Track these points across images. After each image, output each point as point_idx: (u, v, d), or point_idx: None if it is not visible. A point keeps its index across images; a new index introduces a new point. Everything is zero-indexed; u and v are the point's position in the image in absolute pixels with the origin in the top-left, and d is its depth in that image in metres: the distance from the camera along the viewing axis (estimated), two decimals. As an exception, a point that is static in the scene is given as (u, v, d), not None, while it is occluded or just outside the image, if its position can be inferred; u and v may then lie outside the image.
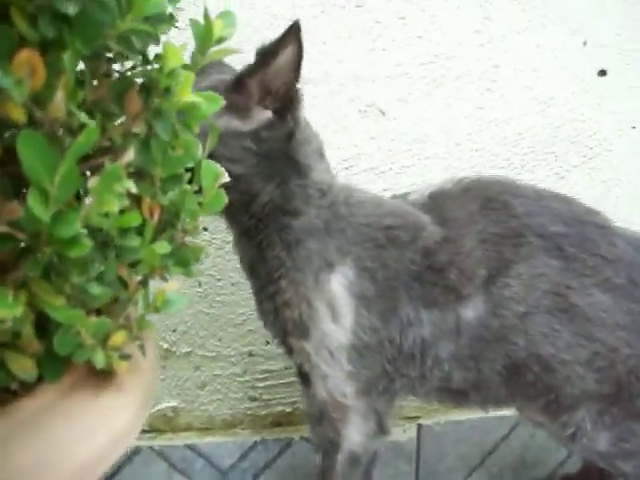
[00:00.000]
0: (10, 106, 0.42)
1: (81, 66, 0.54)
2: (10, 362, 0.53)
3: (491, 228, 1.11)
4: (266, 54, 0.97)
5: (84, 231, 0.50)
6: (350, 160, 1.39)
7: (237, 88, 1.00)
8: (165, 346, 1.41)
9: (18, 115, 0.43)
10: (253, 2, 1.31)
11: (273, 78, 0.99)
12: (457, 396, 1.20)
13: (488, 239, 1.11)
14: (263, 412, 1.49)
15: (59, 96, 0.44)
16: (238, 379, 1.46)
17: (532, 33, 1.47)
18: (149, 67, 0.62)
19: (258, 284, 1.12)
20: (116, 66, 0.63)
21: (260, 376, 1.47)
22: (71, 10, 0.42)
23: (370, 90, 1.38)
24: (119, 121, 0.60)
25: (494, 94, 1.46)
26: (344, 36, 1.36)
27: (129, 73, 0.62)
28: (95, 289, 0.55)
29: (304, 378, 1.12)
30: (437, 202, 1.16)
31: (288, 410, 1.49)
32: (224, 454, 1.45)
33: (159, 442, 1.43)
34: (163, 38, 0.61)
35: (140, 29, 0.50)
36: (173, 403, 1.45)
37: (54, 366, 0.58)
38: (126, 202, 0.53)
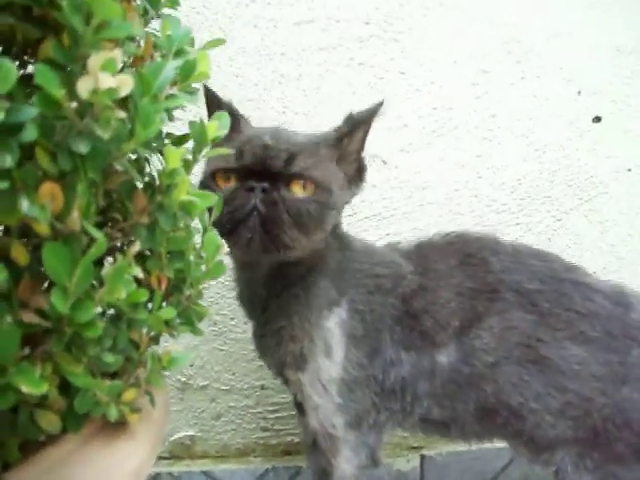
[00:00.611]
0: (37, 225, 0.52)
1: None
2: (39, 418, 0.63)
3: (467, 283, 1.19)
4: (357, 123, 1.11)
5: (98, 315, 0.60)
6: (354, 207, 1.48)
7: (334, 148, 1.11)
8: (183, 379, 1.50)
9: (42, 230, 0.53)
10: (263, 64, 1.42)
11: (353, 145, 1.13)
12: (440, 428, 1.27)
13: (463, 292, 1.18)
14: (274, 441, 1.58)
15: (75, 215, 0.55)
16: (251, 411, 1.55)
17: (528, 83, 1.56)
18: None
19: (263, 319, 1.18)
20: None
21: (271, 408, 1.55)
22: (83, 149, 0.52)
23: (372, 141, 1.46)
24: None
25: (491, 142, 1.55)
26: (348, 92, 1.46)
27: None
28: (109, 358, 0.65)
29: (299, 408, 1.19)
30: (422, 252, 1.24)
31: (297, 440, 1.58)
32: (238, 480, 1.54)
33: (177, 468, 1.51)
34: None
35: (141, 151, 0.61)
36: (191, 432, 1.54)
37: (75, 420, 0.68)
38: (133, 286, 0.64)
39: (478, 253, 1.22)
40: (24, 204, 0.51)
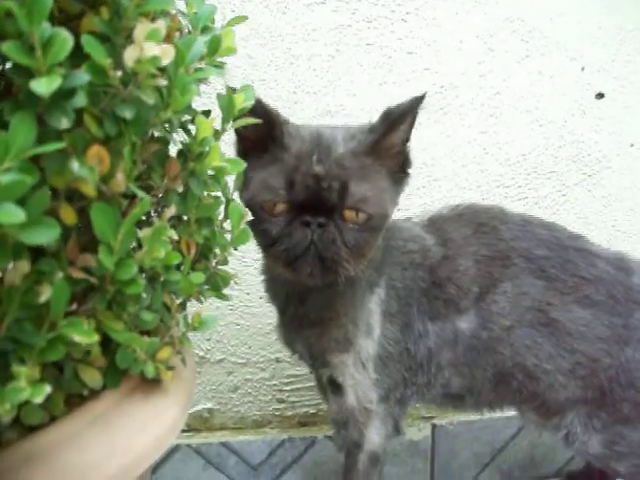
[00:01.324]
0: (85, 186, 0.57)
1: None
2: (82, 374, 0.67)
3: (482, 250, 1.24)
4: (396, 119, 1.07)
5: (139, 273, 0.64)
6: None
7: (374, 149, 1.07)
8: (201, 354, 1.55)
9: (89, 191, 0.57)
10: (275, 45, 1.45)
11: (395, 139, 1.09)
12: (455, 401, 1.33)
13: (480, 260, 1.24)
14: (290, 413, 1.62)
15: (119, 176, 0.59)
16: (267, 383, 1.60)
17: (532, 61, 1.60)
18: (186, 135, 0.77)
19: (301, 310, 1.19)
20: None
21: (286, 380, 1.60)
22: (128, 115, 0.56)
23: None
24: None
25: (497, 119, 1.59)
26: (357, 72, 1.50)
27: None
28: (147, 316, 0.69)
29: (335, 387, 1.21)
30: (437, 224, 1.29)
31: (312, 411, 1.63)
32: (255, 451, 1.58)
33: (196, 440, 1.56)
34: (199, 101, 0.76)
35: (178, 117, 0.65)
36: (208, 405, 1.58)
37: (115, 376, 0.72)
38: (169, 247, 0.68)
39: (489, 222, 1.27)
40: (74, 166, 0.55)
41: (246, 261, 1.51)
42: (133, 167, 0.61)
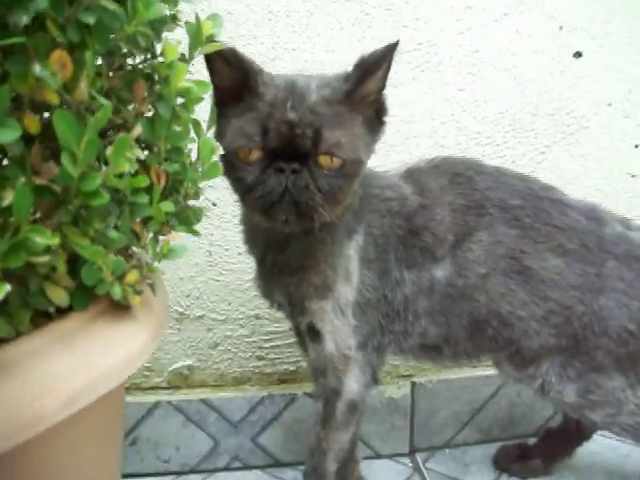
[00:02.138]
0: (47, 92, 0.57)
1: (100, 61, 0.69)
2: (48, 291, 0.68)
3: (458, 200, 1.26)
4: (369, 67, 1.08)
5: (104, 189, 0.65)
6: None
7: (349, 97, 1.08)
8: (180, 310, 1.55)
9: (53, 98, 0.58)
10: (253, 1, 1.45)
11: (370, 87, 1.10)
12: (432, 352, 1.35)
13: (456, 209, 1.25)
14: (269, 370, 1.63)
15: (82, 84, 0.59)
16: (246, 340, 1.61)
17: (510, 20, 1.60)
18: (154, 60, 0.77)
19: (281, 258, 1.20)
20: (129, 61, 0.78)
21: (266, 337, 1.61)
22: (91, 20, 0.57)
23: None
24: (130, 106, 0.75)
25: (475, 77, 1.59)
26: (336, 28, 1.50)
27: (139, 66, 0.77)
28: (113, 234, 0.70)
29: (314, 334, 1.23)
30: (413, 176, 1.30)
31: (292, 369, 1.64)
32: (235, 408, 1.59)
33: (176, 397, 1.57)
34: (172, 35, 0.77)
35: (143, 31, 0.65)
36: (188, 362, 1.59)
37: (82, 298, 0.73)
38: (136, 166, 0.69)
39: (464, 173, 1.29)
40: (37, 68, 0.55)
41: (225, 217, 1.51)
42: (97, 78, 0.61)
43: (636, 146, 1.75)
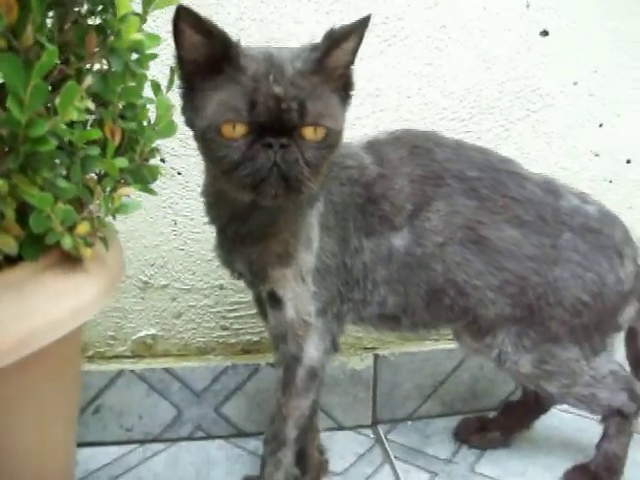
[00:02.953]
0: (-8, 34, 0.58)
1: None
2: (-3, 237, 0.69)
3: (417, 170, 1.28)
4: (338, 38, 1.06)
5: (52, 137, 0.65)
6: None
7: (319, 67, 1.07)
8: (144, 279, 1.56)
9: (0, 42, 0.58)
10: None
11: (338, 59, 1.09)
12: (391, 322, 1.37)
13: (414, 179, 1.27)
14: (233, 340, 1.64)
15: (29, 29, 0.60)
16: (210, 310, 1.61)
17: (478, -4, 1.61)
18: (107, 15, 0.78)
19: (245, 228, 1.20)
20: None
21: (230, 307, 1.62)
22: (35, -38, 0.57)
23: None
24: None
25: (442, 52, 1.60)
26: (303, 0, 1.50)
27: (92, 20, 0.78)
28: (62, 183, 0.71)
29: (275, 301, 1.24)
30: (374, 147, 1.31)
31: (255, 339, 1.65)
32: (198, 378, 1.60)
33: (140, 366, 1.58)
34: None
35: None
36: (152, 331, 1.60)
37: (32, 248, 0.74)
38: (85, 117, 0.69)
39: (424, 144, 1.31)
40: (-20, 9, 0.56)
41: (189, 186, 1.52)
42: (43, 23, 0.62)
43: (600, 125, 1.77)
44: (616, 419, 1.42)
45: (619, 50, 1.74)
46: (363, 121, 1.58)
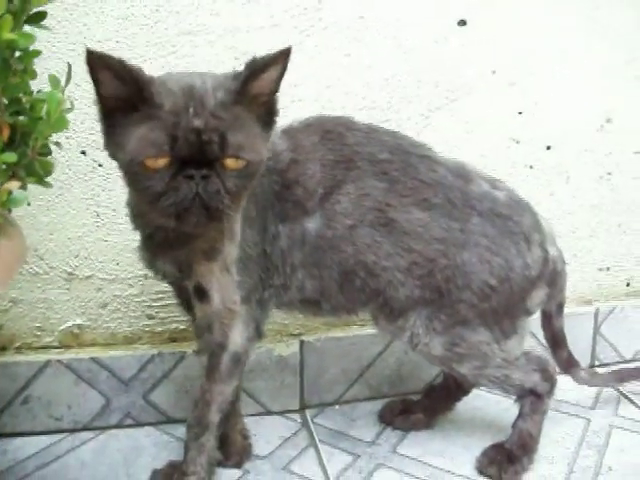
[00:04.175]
0: None
1: None
2: None
3: (328, 155, 1.31)
4: (259, 68, 1.08)
5: None
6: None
7: (240, 96, 1.09)
8: (69, 270, 1.57)
9: None
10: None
11: (260, 88, 1.11)
12: (313, 307, 1.41)
13: (326, 164, 1.31)
14: (159, 329, 1.67)
15: None
16: (136, 299, 1.64)
17: (395, -13, 1.65)
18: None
19: (162, 234, 1.22)
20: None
21: (155, 297, 1.64)
22: None
23: (245, 40, 1.54)
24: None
25: (360, 43, 1.63)
26: (220, -4, 1.53)
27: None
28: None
29: (201, 294, 1.27)
30: (288, 135, 1.34)
31: (182, 327, 1.67)
32: (125, 366, 1.62)
33: (67, 356, 1.59)
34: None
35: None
36: (78, 321, 1.61)
37: None
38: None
39: (335, 129, 1.34)
40: None
41: (111, 178, 1.53)
42: None
43: (520, 113, 1.82)
44: (530, 398, 1.48)
45: (537, 40, 1.79)
46: (284, 111, 1.58)
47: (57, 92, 0.90)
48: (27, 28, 0.86)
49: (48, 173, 0.93)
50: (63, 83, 0.97)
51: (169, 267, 1.28)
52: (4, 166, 0.83)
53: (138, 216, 1.27)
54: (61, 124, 0.90)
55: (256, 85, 1.10)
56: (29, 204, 1.05)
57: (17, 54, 0.81)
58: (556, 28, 1.80)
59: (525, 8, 1.76)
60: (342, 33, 1.62)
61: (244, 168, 1.08)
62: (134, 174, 1.06)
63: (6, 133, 0.83)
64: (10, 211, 0.90)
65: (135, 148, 1.04)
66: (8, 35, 0.75)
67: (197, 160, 1.04)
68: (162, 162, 1.04)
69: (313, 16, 1.59)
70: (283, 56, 1.10)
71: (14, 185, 0.84)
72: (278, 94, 1.15)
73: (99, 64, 0.99)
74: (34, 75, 0.87)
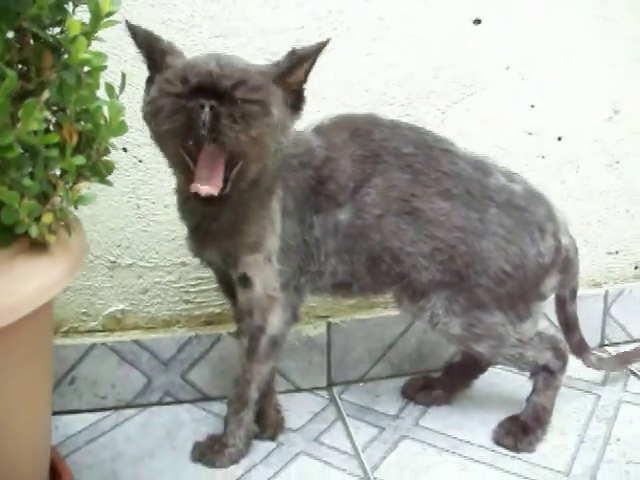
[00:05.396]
0: (-38, 64, 0.71)
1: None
2: (-28, 230, 0.82)
3: (358, 151, 1.42)
4: (300, 59, 1.25)
5: (17, 144, 0.79)
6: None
7: (277, 81, 1.24)
8: (112, 259, 1.69)
9: (-33, 69, 0.72)
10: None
11: (296, 77, 1.27)
12: (344, 289, 1.53)
13: (356, 159, 1.42)
14: (196, 312, 1.78)
15: (-8, 57, 0.73)
16: (174, 285, 1.75)
17: (413, -12, 1.74)
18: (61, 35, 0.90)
19: (208, 226, 1.34)
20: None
21: (192, 282, 1.76)
22: (-4, 5, 0.71)
23: (274, 41, 1.64)
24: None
25: (381, 42, 1.73)
26: (249, -1, 1.63)
27: (47, 39, 0.91)
28: (27, 182, 0.84)
29: (245, 282, 1.38)
30: (320, 132, 1.45)
31: (217, 311, 1.79)
32: (165, 348, 1.74)
33: (111, 339, 1.71)
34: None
35: (46, 13, 0.79)
36: (121, 307, 1.73)
37: (4, 237, 0.87)
38: (44, 125, 0.82)
39: (363, 126, 1.45)
40: (-48, 46, 0.69)
41: (150, 172, 1.64)
42: (5, 52, 0.75)
43: (532, 106, 1.91)
44: (543, 374, 1.58)
45: (548, 36, 1.88)
46: (308, 107, 1.68)
47: (117, 101, 1.00)
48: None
49: (110, 172, 1.04)
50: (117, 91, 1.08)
51: (215, 257, 1.40)
52: (74, 168, 0.94)
53: (184, 201, 1.39)
54: (121, 129, 1.01)
55: (294, 74, 1.25)
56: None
57: (86, 69, 0.92)
58: (565, 25, 1.89)
59: (536, 7, 1.85)
60: (363, 34, 1.72)
61: (257, 104, 1.18)
62: (154, 117, 1.19)
63: (75, 139, 0.94)
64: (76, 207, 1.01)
65: (154, 92, 1.20)
66: (84, 55, 0.86)
67: (210, 91, 1.14)
68: (176, 88, 1.16)
69: (337, 18, 1.69)
70: (320, 50, 1.24)
71: (84, 185, 0.95)
72: (306, 85, 1.29)
73: (133, 33, 1.21)
74: (98, 86, 0.98)
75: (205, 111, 1.12)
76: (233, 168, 1.19)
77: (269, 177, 1.33)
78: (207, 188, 1.15)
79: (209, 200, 1.17)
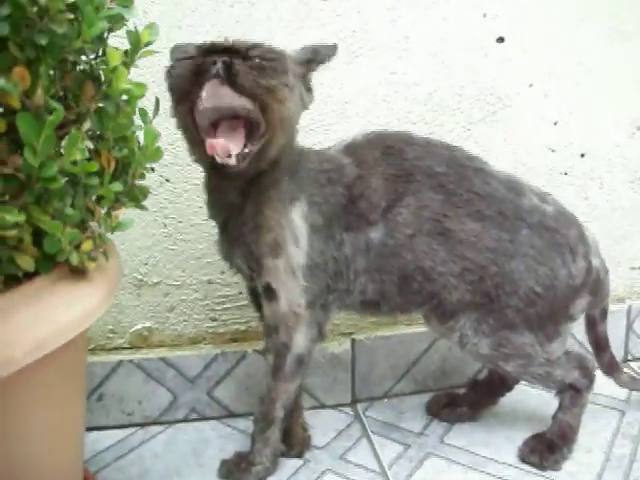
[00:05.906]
0: (11, 99, 0.72)
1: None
2: (17, 258, 0.84)
3: (389, 170, 1.42)
4: (321, 58, 1.34)
5: (60, 175, 0.80)
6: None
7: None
8: (139, 277, 1.70)
9: (15, 103, 0.73)
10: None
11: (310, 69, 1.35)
12: (372, 308, 1.52)
13: (388, 178, 1.41)
14: (222, 330, 1.79)
15: (39, 92, 0.74)
16: (200, 303, 1.76)
17: (437, 8, 1.75)
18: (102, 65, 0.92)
19: (240, 220, 1.36)
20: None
21: (218, 300, 1.77)
22: (43, 41, 0.72)
23: (300, 61, 1.66)
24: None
25: (405, 61, 1.74)
26: (275, 18, 1.64)
27: (88, 69, 0.92)
28: (69, 211, 0.85)
29: (270, 293, 1.38)
30: (351, 149, 1.46)
31: (242, 328, 1.80)
32: (191, 365, 1.74)
33: (137, 356, 1.72)
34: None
35: (88, 45, 0.81)
36: (147, 324, 1.75)
37: (46, 264, 0.89)
38: (87, 154, 0.84)
39: (395, 145, 1.45)
40: (1, 81, 0.70)
41: (177, 192, 1.66)
42: (50, 85, 0.76)
43: (555, 123, 1.92)
44: (570, 393, 1.57)
45: (570, 54, 1.89)
46: (334, 126, 1.72)
47: (153, 127, 1.02)
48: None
49: (145, 197, 1.06)
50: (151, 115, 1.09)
51: (241, 261, 1.41)
52: (112, 195, 0.96)
53: (210, 195, 1.41)
54: (157, 155, 1.03)
55: (310, 67, 1.32)
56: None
57: (124, 97, 0.94)
58: (587, 43, 1.90)
59: (558, 26, 1.86)
60: (388, 53, 1.73)
61: (267, 62, 1.20)
62: (177, 92, 1.21)
63: (112, 166, 0.96)
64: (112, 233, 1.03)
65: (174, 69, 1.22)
66: (124, 85, 0.88)
67: (224, 51, 1.18)
68: (191, 52, 1.20)
69: (362, 37, 1.70)
70: (335, 50, 1.34)
71: (122, 212, 0.97)
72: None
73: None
74: (134, 113, 0.99)
75: (218, 66, 1.14)
76: (254, 141, 1.22)
77: (285, 177, 1.35)
78: (224, 145, 1.17)
79: (227, 173, 1.22)
